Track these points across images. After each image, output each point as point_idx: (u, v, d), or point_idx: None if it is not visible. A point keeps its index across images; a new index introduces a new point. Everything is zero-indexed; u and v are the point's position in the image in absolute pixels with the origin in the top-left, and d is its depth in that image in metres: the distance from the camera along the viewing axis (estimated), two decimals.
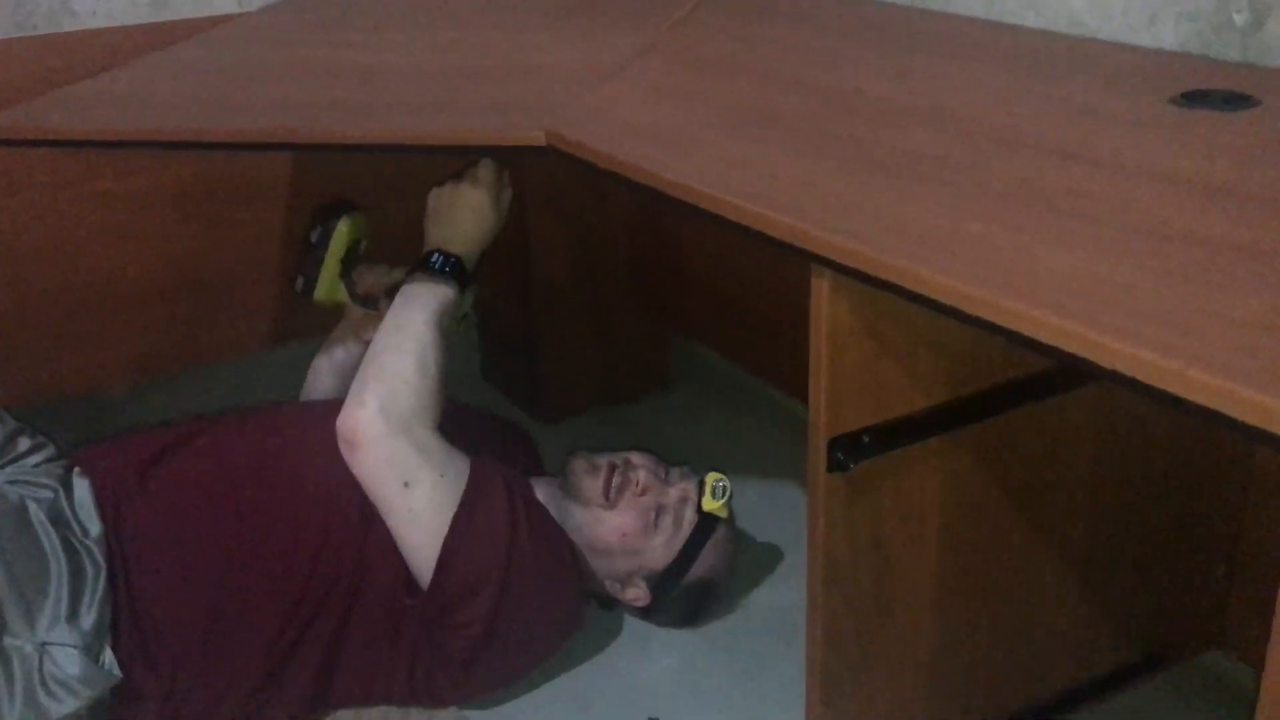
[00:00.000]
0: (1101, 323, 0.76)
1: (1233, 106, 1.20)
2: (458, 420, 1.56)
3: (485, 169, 1.55)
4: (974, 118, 1.22)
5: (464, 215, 1.54)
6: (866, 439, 1.04)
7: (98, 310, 2.01)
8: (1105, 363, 0.74)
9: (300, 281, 1.67)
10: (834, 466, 1.04)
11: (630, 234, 2.05)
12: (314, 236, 1.65)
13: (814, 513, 1.06)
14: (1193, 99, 1.22)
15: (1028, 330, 0.78)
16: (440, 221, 1.55)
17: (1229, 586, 1.39)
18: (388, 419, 1.43)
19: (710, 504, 1.56)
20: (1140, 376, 0.72)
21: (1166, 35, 1.48)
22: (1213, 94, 1.22)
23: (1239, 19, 1.41)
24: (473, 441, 1.54)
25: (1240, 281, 0.82)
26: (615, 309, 2.12)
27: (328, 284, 1.66)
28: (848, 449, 1.04)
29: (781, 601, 1.70)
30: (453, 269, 1.51)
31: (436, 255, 1.52)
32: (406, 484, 1.44)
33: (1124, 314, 0.77)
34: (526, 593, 1.48)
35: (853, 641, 1.13)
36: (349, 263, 1.66)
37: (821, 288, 0.99)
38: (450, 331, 1.52)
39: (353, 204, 1.68)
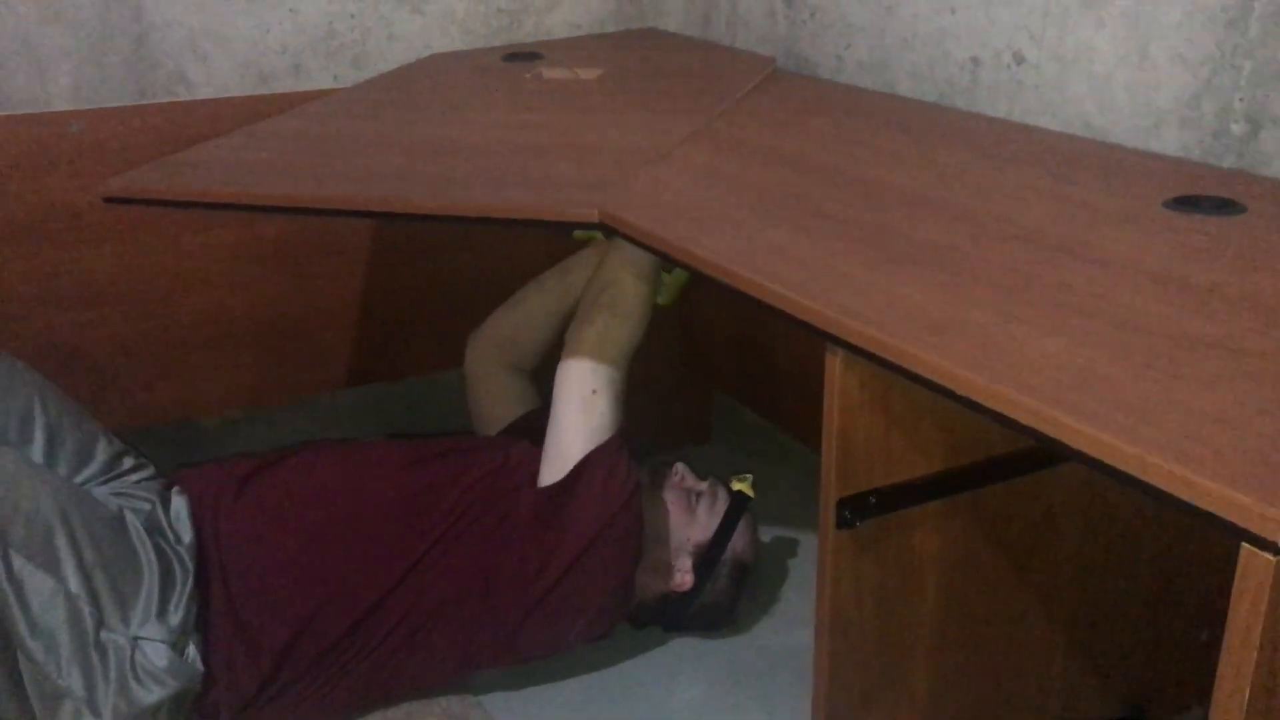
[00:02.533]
0: (1073, 408, 0.80)
1: (1221, 212, 1.22)
2: None
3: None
4: (984, 211, 1.26)
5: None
6: (873, 500, 1.09)
7: (192, 348, 2.05)
8: (1074, 444, 0.79)
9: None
10: (842, 524, 1.08)
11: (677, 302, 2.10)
12: None
13: (823, 565, 1.11)
14: (1184, 203, 1.25)
15: (1008, 411, 0.83)
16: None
17: (1211, 648, 1.41)
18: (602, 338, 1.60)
19: (739, 484, 1.69)
20: (1103, 458, 0.77)
21: (1170, 140, 1.51)
22: (1203, 200, 1.25)
23: (1236, 129, 1.45)
24: None
25: (1206, 375, 0.86)
26: (662, 369, 2.16)
27: None
28: (855, 508, 1.08)
29: (802, 642, 1.73)
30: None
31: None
32: (594, 390, 1.58)
33: (1096, 400, 0.81)
34: (602, 556, 1.56)
35: (855, 683, 1.17)
36: None
37: (834, 364, 1.03)
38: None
39: None
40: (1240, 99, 1.43)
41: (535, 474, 1.60)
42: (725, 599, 1.71)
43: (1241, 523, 0.70)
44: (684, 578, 1.67)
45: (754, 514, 1.74)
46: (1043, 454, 1.15)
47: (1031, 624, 1.25)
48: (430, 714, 1.61)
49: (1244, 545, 0.70)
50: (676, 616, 1.71)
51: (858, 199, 1.32)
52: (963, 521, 1.15)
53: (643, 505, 1.62)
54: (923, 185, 1.36)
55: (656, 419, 2.14)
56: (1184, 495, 0.72)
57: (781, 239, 1.20)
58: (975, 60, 1.74)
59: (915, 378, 0.91)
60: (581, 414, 1.58)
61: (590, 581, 1.58)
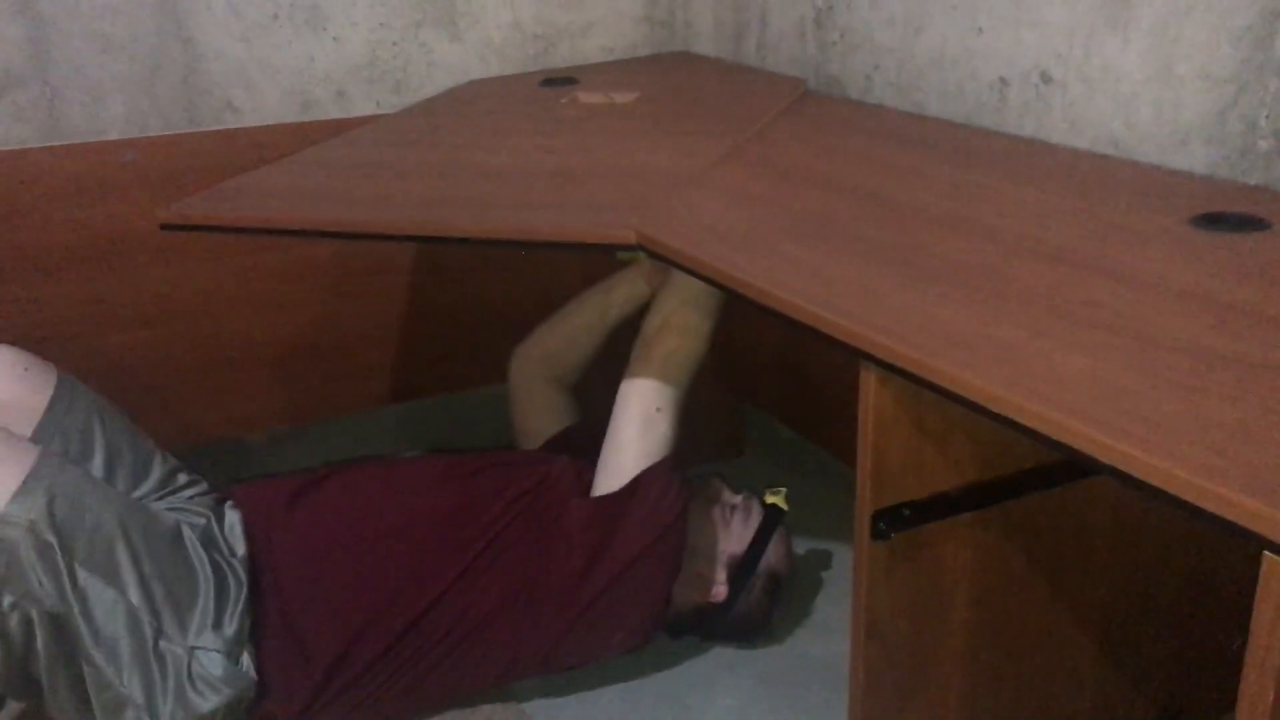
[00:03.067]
0: (1099, 422, 0.83)
1: (1245, 229, 1.25)
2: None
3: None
4: (1012, 230, 1.29)
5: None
6: (906, 512, 1.12)
7: (240, 366, 2.10)
8: (1101, 457, 0.82)
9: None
10: (877, 535, 1.11)
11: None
12: None
13: (858, 575, 1.14)
14: (1209, 220, 1.27)
15: (1037, 426, 0.86)
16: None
17: (1243, 655, 1.43)
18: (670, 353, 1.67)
19: (772, 498, 1.73)
20: (1130, 470, 0.79)
21: (1196, 158, 1.53)
22: (1228, 216, 1.27)
23: (1263, 145, 1.47)
24: None
25: (1227, 390, 0.89)
26: (697, 385, 2.19)
27: None
28: (890, 520, 1.11)
29: (836, 651, 1.76)
30: None
31: None
32: (659, 409, 1.65)
33: (1120, 414, 0.84)
34: (647, 571, 1.61)
35: (890, 690, 1.19)
36: None
37: (869, 380, 1.07)
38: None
39: None
40: (1266, 116, 1.45)
41: (581, 485, 1.64)
42: (759, 610, 1.74)
43: (1263, 531, 0.72)
44: (719, 590, 1.71)
45: (788, 527, 1.77)
46: (1073, 467, 1.17)
47: (1064, 633, 1.27)
48: None
49: (1266, 554, 0.73)
50: (712, 627, 1.74)
51: (888, 219, 1.36)
52: (995, 533, 1.18)
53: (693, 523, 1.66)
54: (952, 205, 1.39)
55: (692, 433, 2.17)
56: (1207, 506, 0.75)
57: (814, 259, 1.24)
58: (1003, 81, 1.77)
59: (947, 394, 0.94)
60: (642, 430, 1.63)
61: (632, 594, 1.61)
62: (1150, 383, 0.90)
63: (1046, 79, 1.70)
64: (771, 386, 2.21)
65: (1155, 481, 0.78)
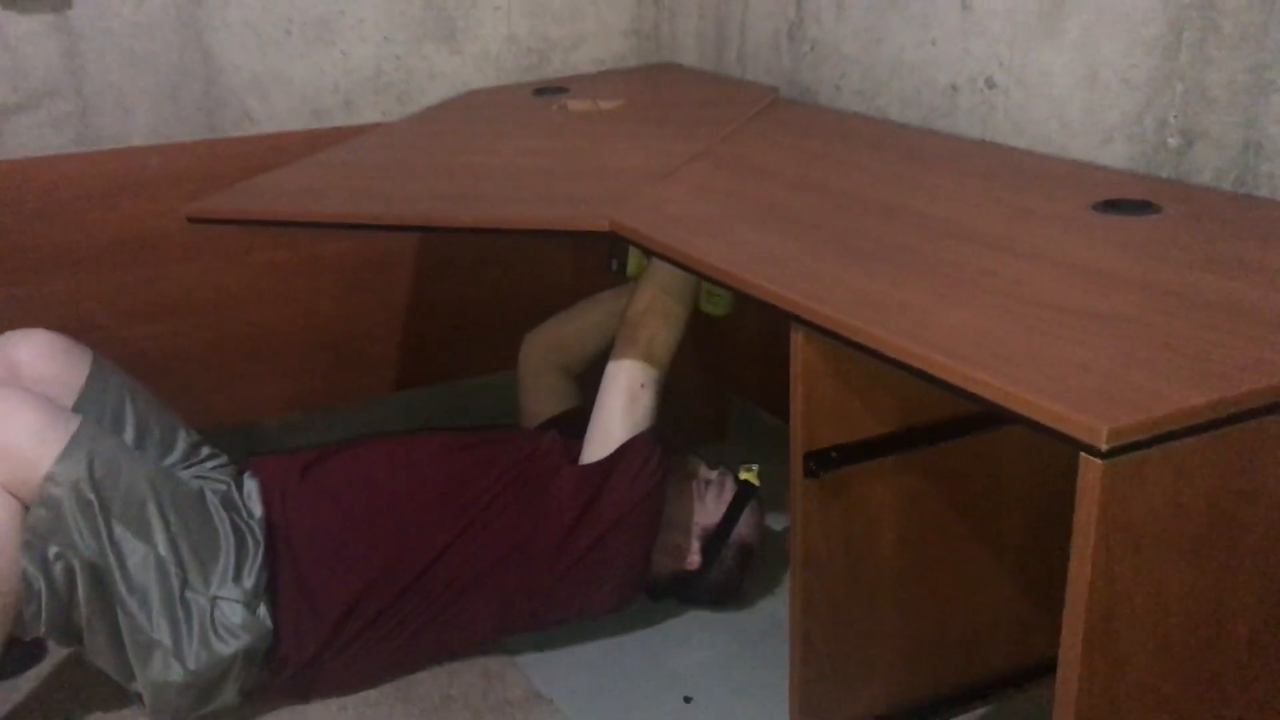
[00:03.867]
0: (964, 358, 1.04)
1: (1139, 212, 1.46)
2: None
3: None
4: (938, 215, 1.50)
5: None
6: (834, 455, 1.33)
7: (256, 357, 2.31)
8: (969, 388, 1.03)
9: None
10: (809, 474, 1.32)
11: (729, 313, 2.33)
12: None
13: (794, 509, 1.35)
14: (1109, 206, 1.48)
15: (917, 364, 1.07)
16: None
17: None
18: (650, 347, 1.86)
19: (746, 474, 1.92)
20: (986, 396, 1.00)
21: (1119, 154, 1.74)
22: (1125, 202, 1.49)
23: (1172, 141, 1.68)
24: None
25: (1081, 337, 1.10)
26: (681, 373, 2.39)
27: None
28: (820, 461, 1.32)
29: None
30: None
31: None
32: (642, 385, 1.85)
33: (982, 352, 1.05)
34: (627, 533, 1.81)
35: (827, 614, 1.40)
36: None
37: (798, 338, 1.28)
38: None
39: None
40: (1174, 116, 1.67)
41: (570, 457, 1.85)
42: (731, 578, 1.94)
43: (1079, 436, 0.93)
44: (693, 558, 1.91)
45: (762, 501, 1.97)
46: (986, 417, 1.38)
47: (982, 566, 1.47)
48: (470, 671, 1.86)
49: (1081, 455, 0.94)
50: (688, 592, 1.95)
51: (834, 208, 1.57)
52: (915, 475, 1.39)
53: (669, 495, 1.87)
54: (893, 196, 1.61)
55: (675, 418, 2.37)
56: (1042, 420, 0.96)
57: (764, 241, 1.45)
58: (954, 87, 1.99)
59: (852, 343, 1.15)
60: (629, 403, 1.84)
61: (615, 554, 1.82)
62: (1015, 330, 1.11)
63: (991, 84, 1.92)
64: (754, 375, 2.40)
65: (999, 400, 0.99)
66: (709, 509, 1.93)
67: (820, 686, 1.42)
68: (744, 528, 1.93)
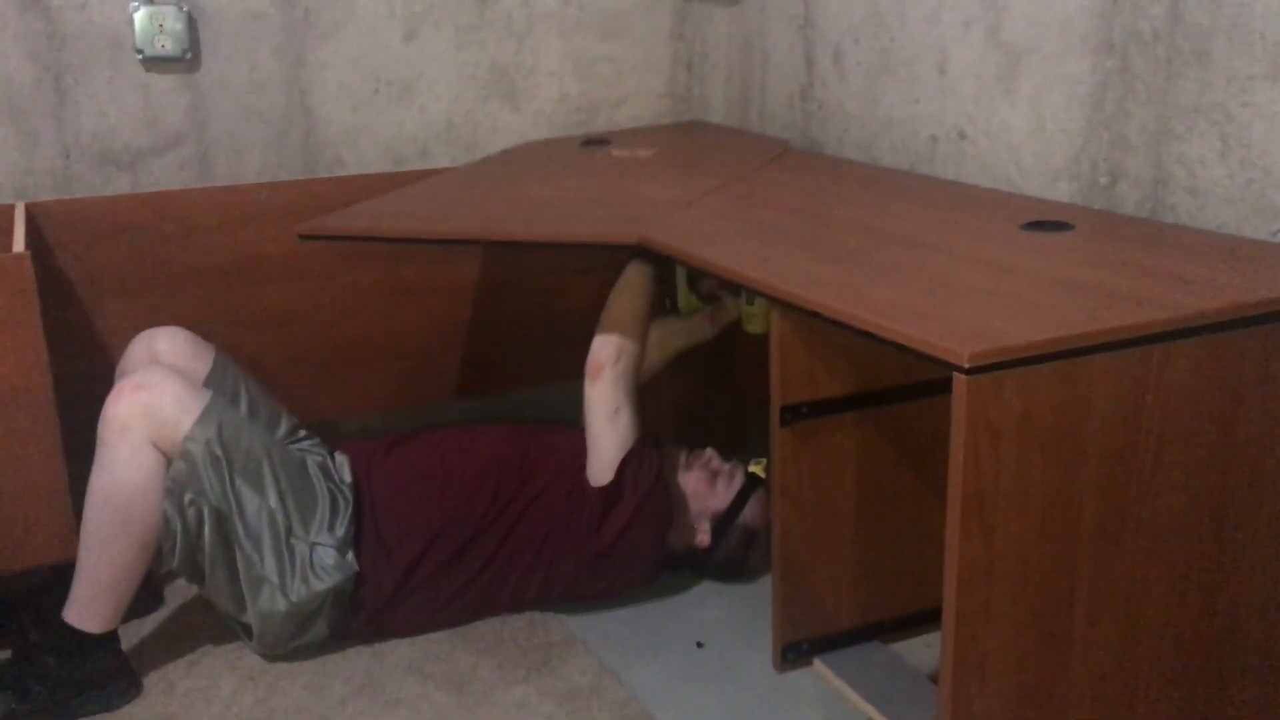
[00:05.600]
0: (886, 315, 1.48)
1: (1055, 230, 1.89)
2: None
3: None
4: (896, 231, 1.95)
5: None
6: (804, 409, 1.76)
7: (340, 364, 2.74)
8: (886, 336, 1.46)
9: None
10: (784, 424, 1.76)
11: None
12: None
13: (773, 452, 1.78)
14: (1034, 225, 1.92)
15: (848, 321, 1.51)
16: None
17: None
18: (624, 364, 2.21)
19: (755, 467, 2.30)
20: (897, 340, 1.44)
21: (1063, 191, 2.18)
22: (1047, 223, 1.92)
23: (1102, 180, 2.12)
24: None
25: (971, 302, 1.54)
26: (705, 386, 2.82)
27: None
28: (792, 413, 1.76)
29: None
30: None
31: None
32: (617, 410, 2.20)
33: (901, 314, 1.49)
34: (643, 527, 2.21)
35: (800, 541, 1.83)
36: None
37: (775, 315, 1.73)
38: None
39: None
40: (1103, 160, 2.11)
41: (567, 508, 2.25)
42: (737, 557, 2.35)
43: (951, 360, 1.37)
44: (703, 538, 2.33)
45: (769, 492, 2.37)
46: (932, 385, 1.81)
47: (931, 509, 1.89)
48: (520, 619, 2.28)
49: (955, 375, 1.37)
50: (700, 566, 2.37)
51: (815, 227, 2.03)
52: (872, 429, 1.82)
53: (675, 481, 2.30)
54: (864, 219, 2.06)
55: (697, 430, 2.77)
56: (929, 351, 1.39)
57: (756, 248, 1.91)
58: (934, 137, 2.44)
59: (807, 311, 1.60)
60: (611, 429, 2.22)
61: (633, 545, 2.24)
62: (925, 300, 1.55)
63: (962, 135, 2.38)
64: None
65: (903, 341, 1.42)
66: (719, 496, 2.32)
67: (795, 603, 1.84)
68: (750, 514, 2.31)
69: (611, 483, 2.22)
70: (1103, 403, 1.44)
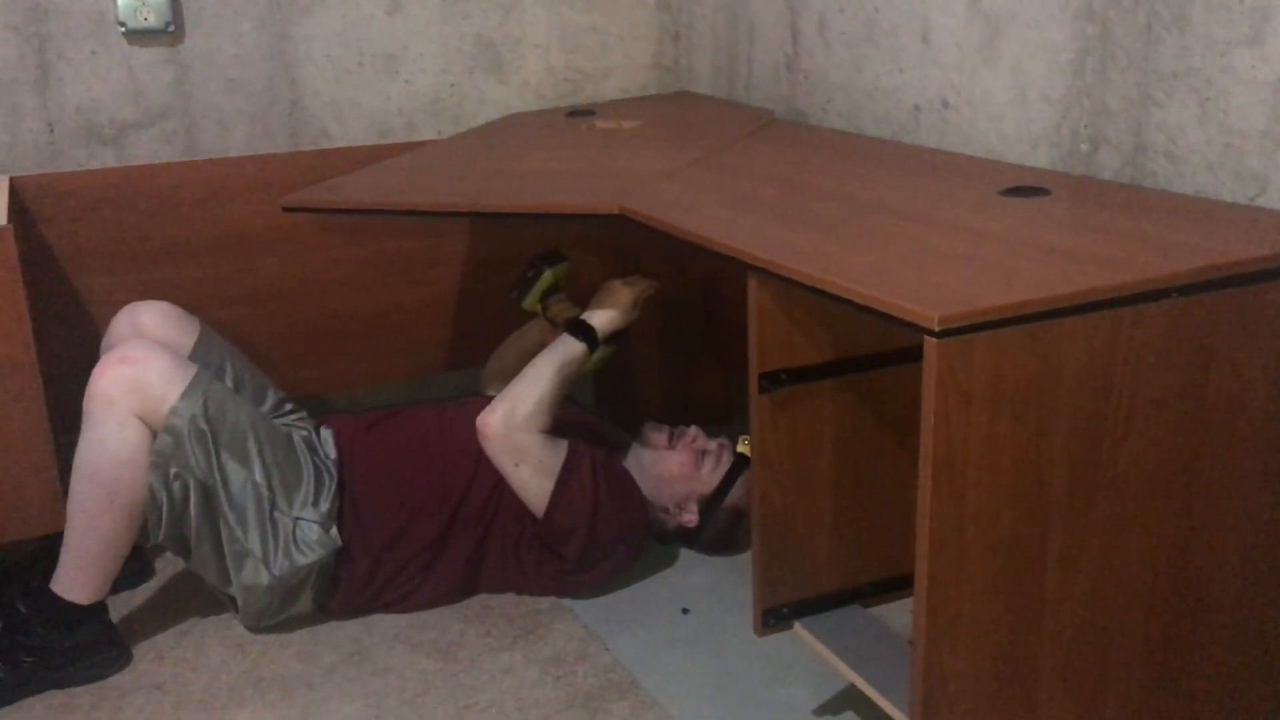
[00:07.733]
0: (860, 281, 1.51)
1: (1028, 195, 1.92)
2: (580, 423, 2.39)
3: (642, 282, 2.36)
4: (876, 200, 1.98)
5: (611, 302, 2.33)
6: (783, 376, 1.79)
7: (328, 338, 2.79)
8: (862, 301, 1.49)
9: (515, 294, 2.48)
10: (763, 390, 1.79)
11: (704, 297, 2.79)
12: (530, 272, 2.46)
13: (753, 419, 1.81)
14: (1010, 191, 1.95)
15: (826, 288, 1.54)
16: (599, 300, 2.35)
17: None
18: (505, 424, 2.20)
19: (742, 448, 2.30)
20: (873, 306, 1.47)
21: (1043, 158, 2.21)
22: (1025, 189, 1.95)
23: (1083, 147, 2.14)
24: (587, 434, 2.35)
25: (947, 269, 1.57)
26: (689, 356, 2.85)
27: (530, 301, 2.47)
28: (771, 380, 1.79)
29: None
30: (587, 335, 2.29)
31: (581, 323, 2.30)
32: (516, 464, 2.21)
33: (879, 280, 1.52)
34: (610, 528, 2.24)
35: (779, 507, 1.86)
36: (549, 292, 2.47)
37: (753, 282, 1.75)
38: (576, 375, 2.29)
39: (563, 255, 2.48)
40: (1084, 126, 2.13)
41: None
42: (725, 536, 2.38)
43: (922, 323, 1.39)
44: (690, 519, 2.35)
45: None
46: (908, 350, 1.83)
47: (908, 475, 1.91)
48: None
49: (925, 338, 1.40)
50: (690, 544, 2.41)
51: (793, 196, 2.05)
52: (848, 397, 1.85)
53: (651, 459, 2.33)
54: (842, 188, 2.09)
55: (682, 401, 2.82)
56: (901, 315, 1.42)
57: (733, 217, 1.94)
58: (917, 107, 2.47)
59: (786, 279, 1.62)
60: (520, 484, 2.21)
61: (609, 538, 2.26)
62: (900, 266, 1.58)
63: (945, 105, 2.40)
64: None
65: (876, 306, 1.45)
66: (705, 478, 2.33)
67: (776, 568, 1.87)
68: (737, 494, 2.32)
69: (551, 510, 2.22)
70: (1073, 365, 1.46)
